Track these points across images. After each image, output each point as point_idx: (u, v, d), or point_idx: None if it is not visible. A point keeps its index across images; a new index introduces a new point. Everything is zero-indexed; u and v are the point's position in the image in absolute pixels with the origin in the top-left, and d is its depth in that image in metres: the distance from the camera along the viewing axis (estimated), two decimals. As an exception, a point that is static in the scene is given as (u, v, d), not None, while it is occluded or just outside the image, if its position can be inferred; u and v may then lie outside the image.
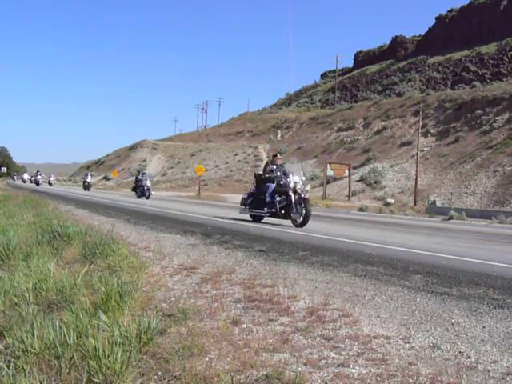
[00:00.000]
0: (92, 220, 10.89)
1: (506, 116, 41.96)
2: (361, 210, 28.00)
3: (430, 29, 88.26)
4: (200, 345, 3.04)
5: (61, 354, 2.74)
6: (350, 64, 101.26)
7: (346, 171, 41.27)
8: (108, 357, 2.62)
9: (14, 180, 68.88)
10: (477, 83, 59.37)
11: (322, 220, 16.24)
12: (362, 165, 46.81)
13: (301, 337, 3.36)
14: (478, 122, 43.85)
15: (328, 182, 41.97)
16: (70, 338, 2.84)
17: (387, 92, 71.64)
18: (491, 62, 68.68)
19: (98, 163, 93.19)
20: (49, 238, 6.60)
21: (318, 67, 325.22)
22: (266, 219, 12.36)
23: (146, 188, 28.24)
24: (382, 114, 55.75)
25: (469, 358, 3.07)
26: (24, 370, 2.60)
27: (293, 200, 11.23)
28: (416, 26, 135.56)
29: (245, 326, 3.58)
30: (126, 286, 3.86)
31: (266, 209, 11.84)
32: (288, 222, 11.56)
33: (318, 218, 17.03)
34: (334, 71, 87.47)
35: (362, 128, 55.73)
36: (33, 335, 2.90)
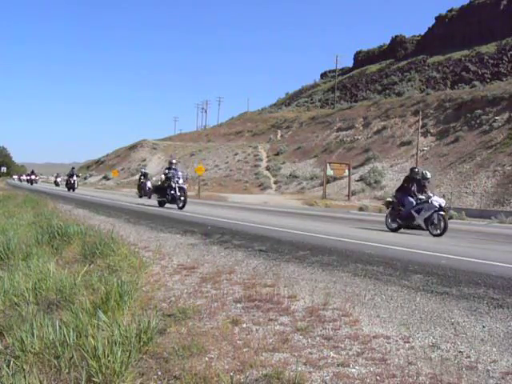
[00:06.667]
0: (92, 220, 10.89)
1: (506, 116, 41.95)
2: (360, 209, 28.01)
3: (429, 29, 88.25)
4: (200, 344, 3.04)
5: (60, 353, 2.74)
6: (350, 64, 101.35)
7: (346, 171, 41.27)
8: (108, 356, 2.62)
9: (32, 183, 58.22)
10: (477, 83, 59.35)
11: (322, 220, 16.25)
12: (361, 164, 46.80)
13: (301, 336, 3.36)
14: (478, 121, 43.84)
15: (328, 182, 41.94)
16: (69, 338, 2.85)
17: (387, 92, 71.59)
18: (491, 61, 68.64)
19: (98, 163, 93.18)
20: (48, 238, 6.61)
21: (318, 67, 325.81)
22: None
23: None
24: (381, 113, 55.74)
25: (468, 357, 3.07)
26: (24, 370, 2.60)
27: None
28: (416, 25, 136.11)
29: (245, 325, 3.58)
30: (126, 286, 3.86)
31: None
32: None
33: (317, 218, 17.05)
34: (334, 71, 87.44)
35: (361, 128, 55.72)
36: (32, 335, 2.90)
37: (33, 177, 57.99)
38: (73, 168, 39.47)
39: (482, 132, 42.28)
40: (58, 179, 54.48)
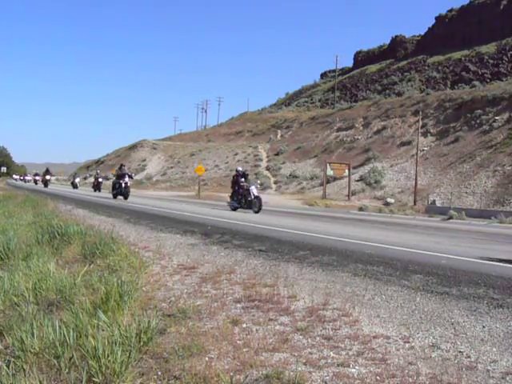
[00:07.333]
0: (92, 220, 10.88)
1: (506, 116, 41.93)
2: (360, 209, 27.98)
3: (429, 28, 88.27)
4: (200, 344, 3.04)
5: (60, 353, 2.74)
6: (350, 64, 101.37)
7: (346, 171, 41.27)
8: (108, 356, 2.62)
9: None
10: (477, 83, 59.34)
11: (322, 220, 16.24)
12: (361, 164, 46.78)
13: (300, 336, 3.36)
14: (478, 121, 43.84)
15: (328, 182, 41.94)
16: (69, 338, 2.84)
17: (387, 92, 71.58)
18: (491, 61, 68.64)
19: (98, 163, 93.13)
20: (48, 238, 6.61)
21: (318, 67, 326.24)
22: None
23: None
24: (381, 113, 55.73)
25: (468, 357, 3.07)
26: (24, 370, 2.60)
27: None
28: (416, 25, 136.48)
29: (245, 325, 3.58)
30: (126, 286, 3.86)
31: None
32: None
33: (317, 218, 17.03)
34: (334, 71, 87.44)
35: (361, 128, 55.72)
36: (32, 335, 2.90)
37: (48, 177, 45.38)
38: (122, 165, 25.39)
39: (481, 132, 42.26)
40: (77, 180, 45.64)
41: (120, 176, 24.11)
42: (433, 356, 3.07)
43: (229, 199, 19.64)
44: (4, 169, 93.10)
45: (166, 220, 12.40)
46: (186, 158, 69.63)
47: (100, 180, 36.81)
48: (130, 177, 24.70)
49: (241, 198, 18.44)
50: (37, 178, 56.22)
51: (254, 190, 17.97)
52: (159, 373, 2.68)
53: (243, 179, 18.94)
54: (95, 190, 35.41)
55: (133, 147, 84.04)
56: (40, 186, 46.81)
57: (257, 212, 17.30)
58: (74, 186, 43.47)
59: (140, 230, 9.66)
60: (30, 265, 4.79)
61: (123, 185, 23.60)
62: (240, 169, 19.93)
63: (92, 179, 41.85)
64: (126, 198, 23.51)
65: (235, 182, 19.01)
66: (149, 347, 2.97)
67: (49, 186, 43.04)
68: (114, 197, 24.17)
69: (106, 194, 29.70)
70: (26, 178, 72.71)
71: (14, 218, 9.80)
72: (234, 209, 18.70)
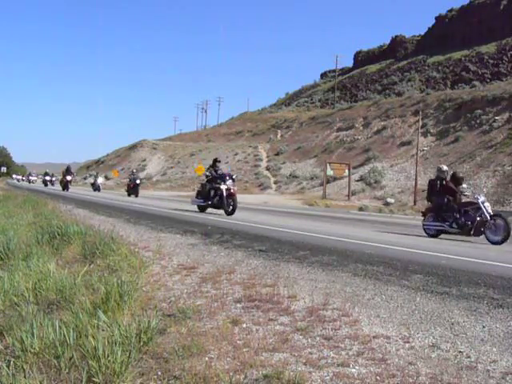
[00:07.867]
0: (92, 220, 10.88)
1: (506, 116, 41.92)
2: (360, 209, 27.97)
3: (429, 28, 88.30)
4: (200, 344, 3.04)
5: (60, 353, 2.74)
6: (350, 64, 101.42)
7: (346, 171, 41.25)
8: (108, 356, 2.63)
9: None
10: (476, 83, 59.36)
11: (322, 220, 16.24)
12: (361, 164, 46.77)
13: (300, 336, 3.36)
14: (478, 121, 43.83)
15: (328, 182, 41.91)
16: (69, 338, 2.85)
17: (387, 92, 71.58)
18: (491, 61, 68.64)
19: (98, 163, 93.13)
20: (48, 238, 6.61)
21: (318, 67, 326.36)
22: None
23: None
24: (381, 113, 55.73)
25: (468, 357, 3.07)
26: (24, 370, 2.60)
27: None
28: (416, 25, 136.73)
29: (245, 325, 3.58)
30: (126, 286, 3.86)
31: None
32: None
33: (317, 218, 17.03)
34: (334, 71, 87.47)
35: (361, 128, 55.71)
36: (32, 335, 2.90)
37: (68, 177, 35.13)
38: (217, 161, 16.57)
39: (482, 132, 42.26)
40: (99, 181, 36.72)
41: (216, 178, 15.13)
42: (433, 356, 3.07)
43: (423, 217, 11.56)
44: (4, 169, 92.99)
45: (165, 220, 12.40)
46: (186, 158, 69.63)
47: (138, 182, 28.71)
48: (232, 179, 15.17)
49: (458, 218, 10.62)
50: (47, 178, 47.95)
51: (487, 205, 10.47)
52: (159, 373, 2.68)
53: (465, 186, 11.46)
54: (130, 195, 27.84)
55: (133, 147, 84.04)
56: (52, 188, 39.86)
57: (500, 242, 9.77)
58: (96, 188, 35.18)
59: (140, 230, 9.66)
60: (30, 265, 4.79)
61: (225, 192, 14.46)
62: (446, 168, 11.59)
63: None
64: (229, 212, 14.34)
65: (447, 190, 11.00)
66: (149, 347, 2.97)
67: (70, 190, 34.08)
68: (202, 210, 15.59)
69: (141, 200, 23.50)
70: (31, 177, 65.32)
71: (14, 218, 9.80)
72: (437, 233, 11.07)
